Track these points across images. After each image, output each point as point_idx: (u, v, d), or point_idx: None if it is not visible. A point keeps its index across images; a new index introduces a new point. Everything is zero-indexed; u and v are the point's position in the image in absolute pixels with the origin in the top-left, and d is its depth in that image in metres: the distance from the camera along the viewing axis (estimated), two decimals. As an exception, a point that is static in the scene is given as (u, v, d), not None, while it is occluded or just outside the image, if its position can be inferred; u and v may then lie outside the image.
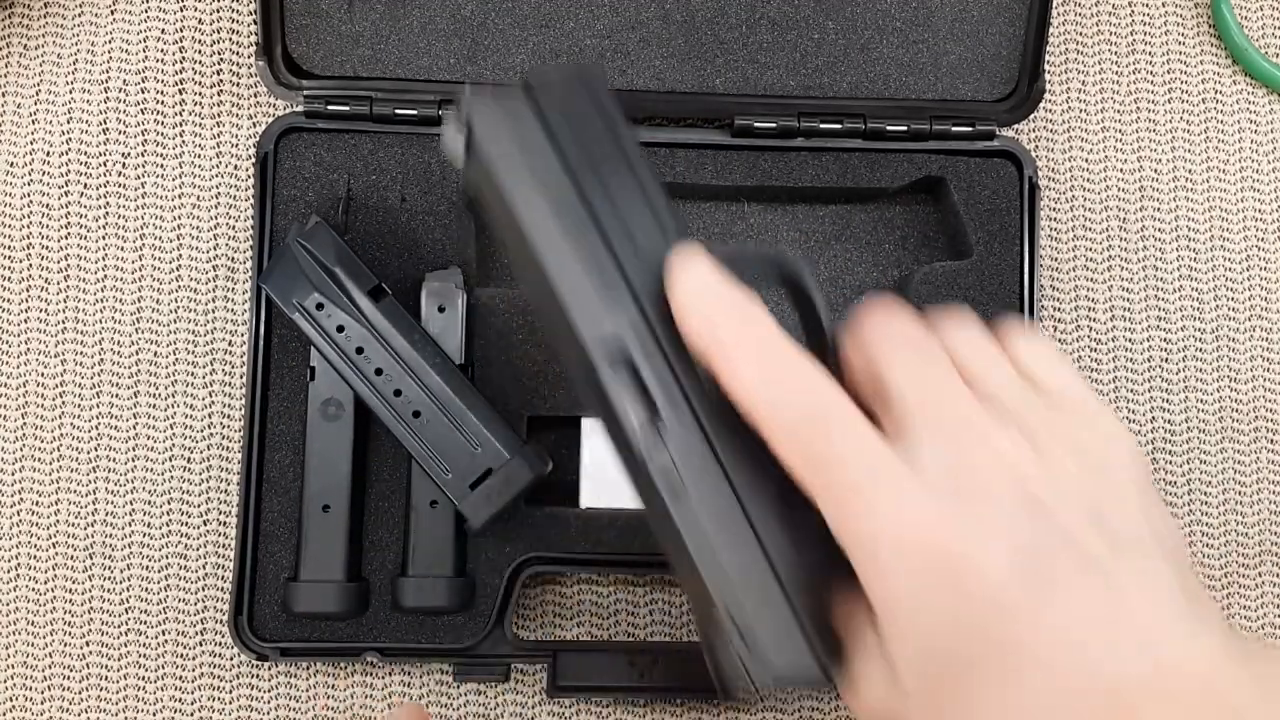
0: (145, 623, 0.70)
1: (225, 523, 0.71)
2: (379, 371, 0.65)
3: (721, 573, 0.47)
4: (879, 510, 0.44)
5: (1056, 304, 0.75)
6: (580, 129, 0.48)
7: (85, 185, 0.73)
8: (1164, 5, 0.77)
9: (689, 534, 0.46)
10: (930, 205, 0.74)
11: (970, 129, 0.71)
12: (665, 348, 0.46)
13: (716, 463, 0.46)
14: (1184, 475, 0.74)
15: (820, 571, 0.47)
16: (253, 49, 0.74)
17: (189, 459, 0.71)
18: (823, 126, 0.71)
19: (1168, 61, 0.77)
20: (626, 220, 0.47)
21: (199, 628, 0.71)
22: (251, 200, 0.72)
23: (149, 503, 0.71)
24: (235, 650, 0.70)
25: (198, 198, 0.73)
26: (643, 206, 0.48)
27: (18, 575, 0.70)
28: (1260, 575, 0.74)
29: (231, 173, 0.73)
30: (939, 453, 0.44)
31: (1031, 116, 0.73)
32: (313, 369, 0.67)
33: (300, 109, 0.70)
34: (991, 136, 0.72)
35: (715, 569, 0.47)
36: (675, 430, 0.46)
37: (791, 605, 0.47)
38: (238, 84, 0.74)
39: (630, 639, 0.72)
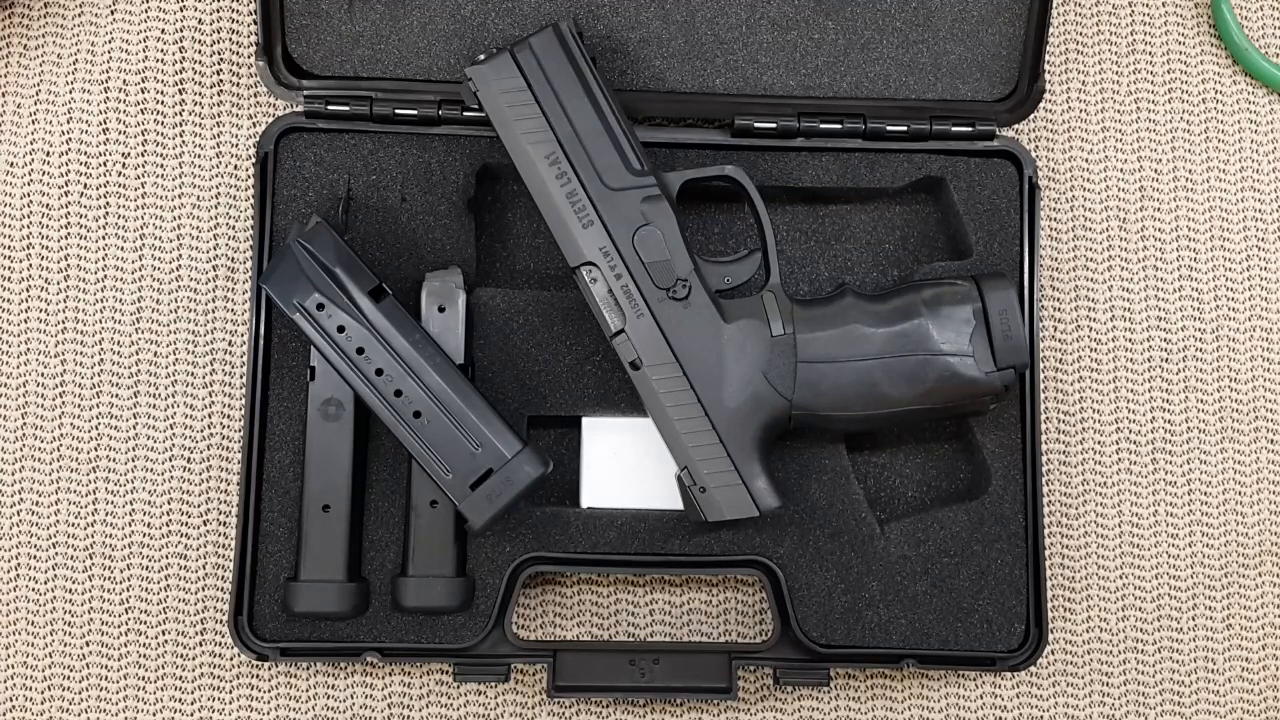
0: (145, 623, 0.70)
1: (225, 523, 0.71)
2: (379, 372, 0.65)
3: (677, 439, 0.65)
4: None
5: (1056, 304, 0.75)
6: (557, 82, 0.64)
7: (85, 185, 0.73)
8: (1164, 5, 0.77)
9: (648, 401, 0.65)
10: (930, 205, 0.74)
11: (970, 129, 0.71)
12: (626, 263, 0.64)
13: (667, 346, 0.64)
14: (1184, 475, 0.74)
15: (753, 416, 0.64)
16: (253, 49, 0.74)
17: (189, 459, 0.71)
18: (823, 126, 0.71)
19: (1168, 61, 0.77)
20: (594, 158, 0.64)
21: (199, 628, 0.71)
22: (251, 200, 0.72)
23: (149, 503, 0.71)
24: (235, 650, 0.70)
25: (198, 198, 0.73)
26: (609, 143, 0.64)
27: (18, 575, 0.70)
28: (1260, 575, 0.74)
29: (231, 173, 0.73)
30: None
31: (1031, 116, 0.73)
32: (313, 369, 0.67)
33: (300, 109, 0.70)
34: (991, 136, 0.71)
35: (672, 436, 0.65)
36: (634, 324, 0.64)
37: (732, 460, 0.64)
38: (238, 84, 0.74)
39: (630, 639, 0.72)
